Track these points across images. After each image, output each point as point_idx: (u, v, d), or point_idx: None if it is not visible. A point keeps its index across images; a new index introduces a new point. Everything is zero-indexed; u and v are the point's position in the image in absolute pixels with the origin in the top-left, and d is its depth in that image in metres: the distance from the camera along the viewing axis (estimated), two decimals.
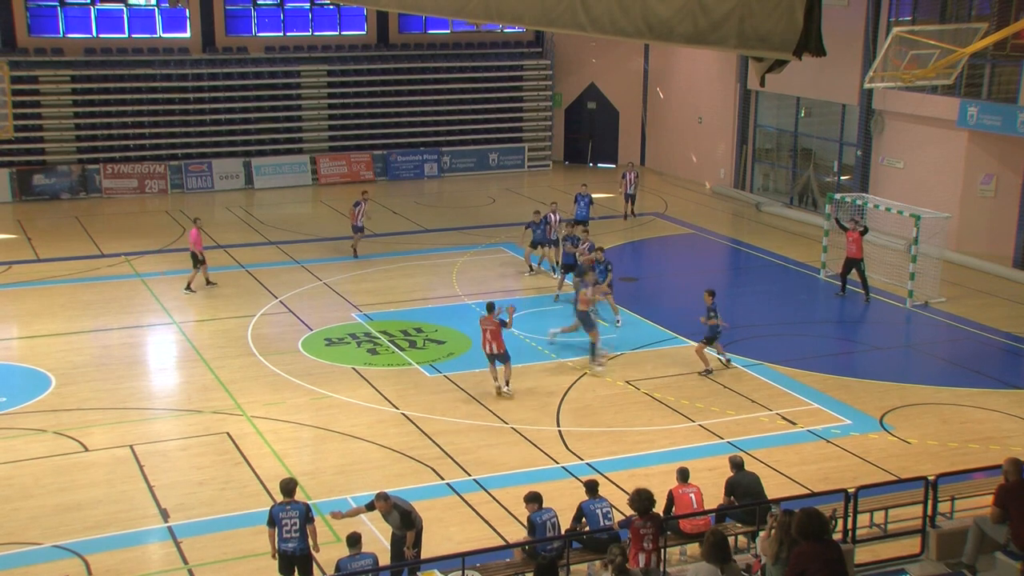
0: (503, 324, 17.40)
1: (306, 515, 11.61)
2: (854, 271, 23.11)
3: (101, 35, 34.46)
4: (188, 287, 23.29)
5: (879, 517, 12.77)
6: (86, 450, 15.76)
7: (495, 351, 17.59)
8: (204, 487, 14.65)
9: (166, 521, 13.74)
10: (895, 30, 22.10)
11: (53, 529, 13.53)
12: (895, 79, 21.85)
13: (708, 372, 18.70)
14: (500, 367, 17.79)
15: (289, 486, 11.82)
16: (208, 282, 23.63)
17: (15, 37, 33.47)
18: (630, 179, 30.65)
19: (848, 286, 23.48)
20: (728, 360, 19.11)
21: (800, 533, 8.52)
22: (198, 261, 23.32)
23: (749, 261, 26.83)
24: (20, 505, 14.15)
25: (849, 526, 11.48)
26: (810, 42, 6.97)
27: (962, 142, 26.79)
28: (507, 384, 17.76)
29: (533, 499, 11.95)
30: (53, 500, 14.26)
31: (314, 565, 11.90)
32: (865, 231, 22.99)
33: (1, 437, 16.15)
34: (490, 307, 17.80)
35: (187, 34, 35.18)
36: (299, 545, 11.55)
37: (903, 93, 26.81)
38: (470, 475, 15.04)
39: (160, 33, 35.01)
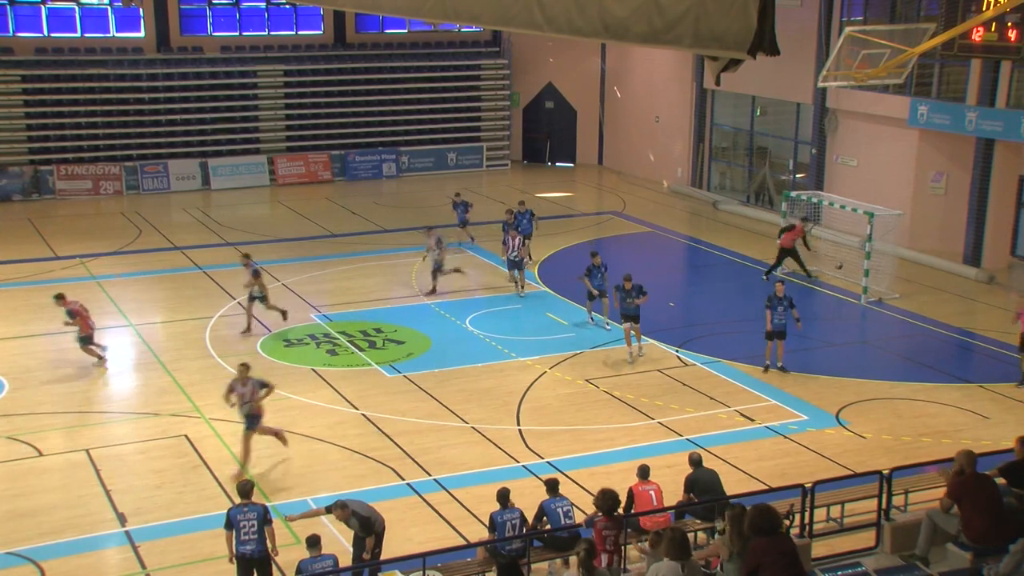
0: None
1: (264, 517, 11.55)
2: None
3: (52, 34, 33.99)
4: None
5: (835, 511, 12.95)
6: (40, 455, 15.55)
7: None
8: (162, 490, 14.52)
9: (124, 526, 13.60)
10: (847, 30, 22.39)
11: (7, 535, 13.33)
12: (848, 78, 22.15)
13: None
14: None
15: (246, 488, 11.75)
16: None
17: None
18: (513, 244, 22.99)
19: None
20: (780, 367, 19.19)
21: (753, 529, 8.62)
22: None
23: (707, 259, 27.05)
24: None
25: (806, 520, 11.61)
26: (764, 41, 7.03)
27: (913, 140, 27.19)
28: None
29: (499, 497, 11.97)
30: (6, 506, 14.06)
31: (273, 567, 11.84)
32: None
33: None
34: None
35: (141, 33, 34.80)
36: (257, 547, 11.48)
37: (856, 92, 27.17)
38: (431, 475, 15.03)
39: (113, 32, 34.60)
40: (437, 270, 23.14)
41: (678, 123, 35.57)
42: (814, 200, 25.91)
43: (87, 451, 15.61)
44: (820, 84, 24.01)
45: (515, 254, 22.95)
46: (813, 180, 30.05)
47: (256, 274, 20.56)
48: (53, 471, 15.04)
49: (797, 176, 31.59)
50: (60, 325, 21.07)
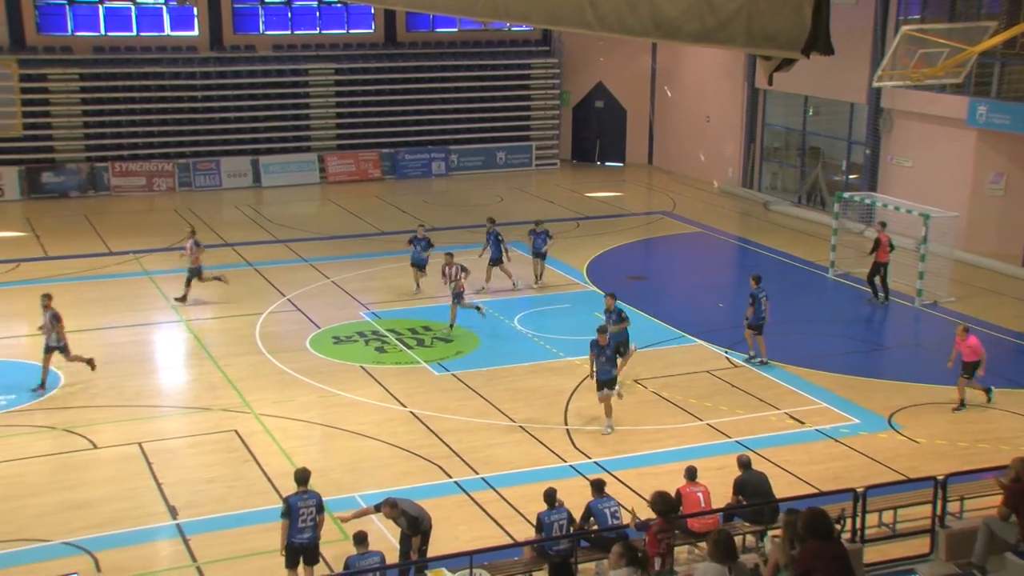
0: None
1: (320, 504, 11.65)
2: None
3: (109, 33, 34.54)
4: None
5: (888, 517, 12.75)
6: (95, 447, 15.80)
7: None
8: (213, 485, 14.67)
9: (175, 519, 13.76)
10: (904, 28, 22.05)
11: (61, 526, 13.56)
12: (904, 78, 21.81)
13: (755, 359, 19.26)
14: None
15: (304, 475, 11.80)
16: None
17: (24, 36, 33.55)
18: (450, 273, 21.12)
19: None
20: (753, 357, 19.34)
21: (807, 532, 8.54)
22: None
23: (757, 260, 26.77)
24: (29, 502, 14.19)
25: (858, 526, 11.46)
26: (818, 41, 6.93)
27: (971, 141, 26.70)
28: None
29: (546, 498, 11.95)
30: (61, 497, 14.30)
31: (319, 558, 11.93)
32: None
33: (10, 434, 16.20)
34: None
35: (195, 32, 35.25)
36: (313, 535, 11.59)
37: (912, 92, 26.74)
38: (478, 473, 15.04)
39: (168, 31, 35.08)
40: (194, 276, 22.23)
41: (729, 123, 35.27)
42: (867, 201, 25.55)
43: (139, 444, 15.83)
44: (875, 84, 23.67)
45: (452, 285, 20.84)
46: (867, 181, 29.64)
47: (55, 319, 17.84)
48: (106, 463, 15.27)
49: (850, 177, 31.17)
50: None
